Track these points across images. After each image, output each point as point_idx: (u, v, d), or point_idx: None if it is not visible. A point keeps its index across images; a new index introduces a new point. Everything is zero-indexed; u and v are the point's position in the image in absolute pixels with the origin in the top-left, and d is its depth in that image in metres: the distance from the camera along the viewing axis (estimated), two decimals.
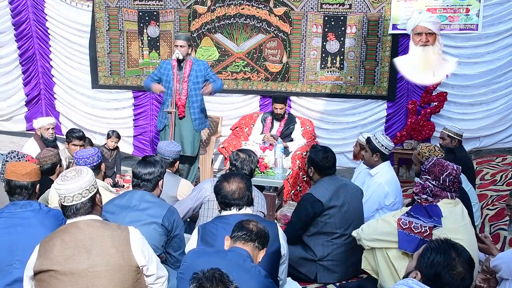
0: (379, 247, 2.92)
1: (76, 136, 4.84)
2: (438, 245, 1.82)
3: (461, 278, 1.74)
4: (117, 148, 5.76)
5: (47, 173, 3.70)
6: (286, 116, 5.64)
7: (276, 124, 5.62)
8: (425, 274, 1.77)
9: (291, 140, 5.56)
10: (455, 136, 4.72)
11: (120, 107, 6.67)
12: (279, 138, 5.32)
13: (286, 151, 5.31)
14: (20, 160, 3.30)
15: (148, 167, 2.89)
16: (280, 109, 5.54)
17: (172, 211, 2.78)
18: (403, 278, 1.85)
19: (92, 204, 2.16)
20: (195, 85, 4.95)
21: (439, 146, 4.18)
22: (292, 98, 6.18)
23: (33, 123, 5.38)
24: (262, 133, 5.65)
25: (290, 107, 6.21)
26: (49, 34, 6.67)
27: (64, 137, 6.76)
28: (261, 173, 4.52)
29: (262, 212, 3.21)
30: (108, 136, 5.67)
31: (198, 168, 5.48)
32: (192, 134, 5.01)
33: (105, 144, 5.71)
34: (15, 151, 3.47)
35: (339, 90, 6.02)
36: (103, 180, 3.50)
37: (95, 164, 3.29)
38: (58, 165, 3.80)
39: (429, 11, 5.55)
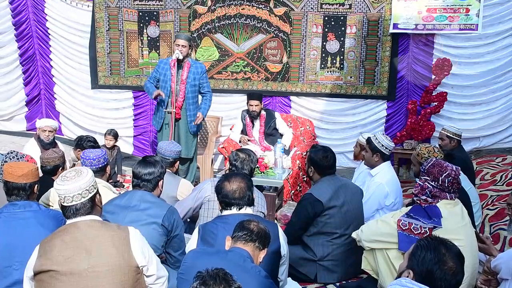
0: (379, 248, 2.92)
1: (90, 146, 4.71)
2: (428, 242, 1.86)
3: (453, 273, 1.79)
4: (117, 148, 5.75)
5: (49, 174, 3.69)
6: (263, 113, 5.56)
7: (256, 123, 5.56)
8: (418, 272, 1.81)
9: (281, 135, 5.53)
10: (453, 136, 4.72)
11: (120, 107, 6.67)
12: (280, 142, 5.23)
13: (286, 150, 5.30)
14: (19, 160, 3.28)
15: (148, 167, 2.89)
16: (256, 105, 5.46)
17: (172, 211, 2.79)
18: (396, 278, 1.87)
19: (92, 205, 2.16)
20: (193, 87, 4.96)
21: (439, 147, 4.18)
22: (292, 98, 6.19)
23: (36, 122, 5.38)
24: (243, 132, 5.60)
25: (290, 107, 6.22)
26: (49, 34, 6.67)
27: (64, 137, 6.83)
28: (261, 173, 4.52)
29: (262, 212, 3.21)
30: (104, 135, 5.68)
31: (198, 168, 5.49)
32: (187, 136, 5.02)
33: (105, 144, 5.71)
34: (14, 151, 3.46)
35: (339, 90, 6.02)
36: (107, 182, 3.48)
37: (100, 165, 3.26)
38: (61, 168, 3.75)
39: (429, 11, 5.56)
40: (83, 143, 4.61)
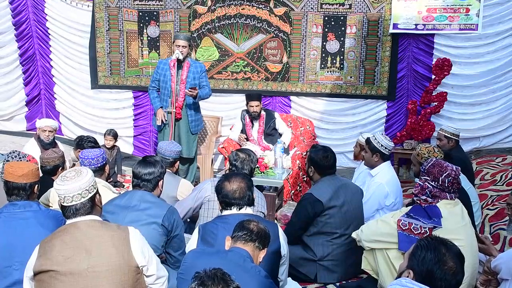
0: (379, 248, 2.92)
1: (90, 146, 4.71)
2: (428, 242, 1.87)
3: (453, 273, 1.79)
4: (117, 148, 5.75)
5: (49, 174, 3.69)
6: (263, 114, 5.56)
7: (256, 123, 5.55)
8: (418, 272, 1.82)
9: (280, 135, 5.54)
10: (451, 137, 4.72)
11: (120, 107, 6.67)
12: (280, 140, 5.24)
13: (286, 150, 5.30)
14: (21, 160, 3.28)
15: (148, 167, 2.89)
16: (256, 106, 5.46)
17: (172, 211, 2.79)
18: (396, 278, 1.87)
19: (92, 205, 2.16)
20: (192, 87, 4.95)
21: (438, 147, 4.18)
22: (292, 98, 6.19)
23: (36, 122, 5.38)
24: (243, 131, 5.59)
25: (290, 107, 6.22)
26: (49, 34, 6.67)
27: (64, 137, 6.83)
28: (261, 173, 4.52)
29: (262, 212, 3.21)
30: (104, 135, 5.68)
31: (198, 168, 5.49)
32: (188, 136, 5.02)
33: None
34: (16, 151, 3.47)
35: (339, 90, 6.02)
36: (107, 181, 3.48)
37: (99, 165, 3.26)
38: (61, 168, 3.75)
39: (429, 11, 5.56)
40: (83, 143, 4.60)
